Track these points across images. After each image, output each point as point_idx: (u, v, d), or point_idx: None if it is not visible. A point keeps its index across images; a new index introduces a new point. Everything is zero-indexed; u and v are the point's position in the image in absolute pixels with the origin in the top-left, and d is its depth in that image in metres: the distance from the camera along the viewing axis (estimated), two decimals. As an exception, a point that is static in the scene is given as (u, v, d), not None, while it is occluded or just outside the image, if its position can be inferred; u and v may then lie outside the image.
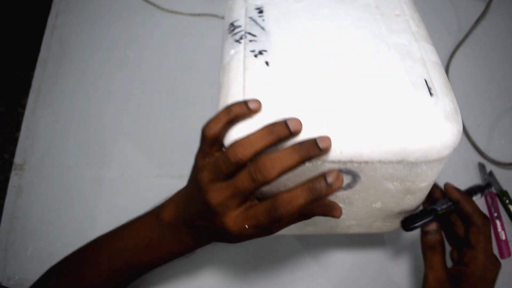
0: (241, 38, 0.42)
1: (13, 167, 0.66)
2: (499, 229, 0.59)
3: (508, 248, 0.58)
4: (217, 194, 0.34)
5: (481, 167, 0.63)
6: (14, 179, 0.65)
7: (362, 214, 0.45)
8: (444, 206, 0.45)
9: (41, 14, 0.79)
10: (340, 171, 0.36)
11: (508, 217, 0.60)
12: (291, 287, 0.57)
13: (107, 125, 0.68)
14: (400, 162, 0.36)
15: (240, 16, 0.44)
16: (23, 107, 0.70)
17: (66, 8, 0.76)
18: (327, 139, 0.32)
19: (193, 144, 0.65)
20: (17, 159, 0.66)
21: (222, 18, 0.72)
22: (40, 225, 0.63)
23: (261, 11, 0.44)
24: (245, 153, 0.32)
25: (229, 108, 0.34)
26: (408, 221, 0.45)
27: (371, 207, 0.43)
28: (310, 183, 0.32)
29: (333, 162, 0.35)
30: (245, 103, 0.34)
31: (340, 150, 0.35)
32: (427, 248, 0.44)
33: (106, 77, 0.71)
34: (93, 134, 0.67)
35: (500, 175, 0.63)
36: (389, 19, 0.43)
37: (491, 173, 0.62)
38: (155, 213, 0.44)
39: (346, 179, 0.38)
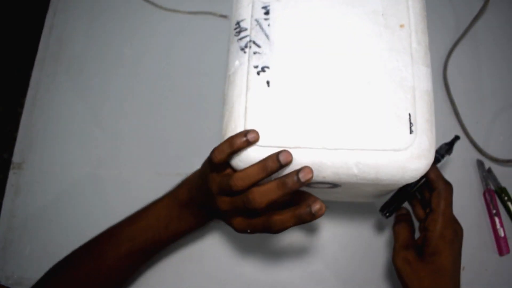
0: (246, 46, 0.43)
1: (11, 166, 0.66)
2: (498, 226, 0.59)
3: (507, 245, 0.58)
4: (223, 205, 0.42)
5: (480, 164, 0.63)
6: (12, 178, 0.65)
7: (344, 196, 0.54)
8: (414, 183, 0.47)
9: (39, 13, 0.79)
10: (322, 182, 0.42)
11: (507, 214, 0.61)
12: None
13: (105, 123, 0.68)
14: (374, 184, 0.41)
15: (246, 15, 0.44)
16: (22, 106, 0.70)
17: (64, 7, 0.75)
18: (308, 172, 0.37)
19: (190, 142, 0.65)
20: (15, 158, 0.66)
21: (220, 16, 0.73)
22: (39, 224, 0.63)
23: (267, 12, 0.44)
24: (243, 184, 0.39)
25: (231, 141, 0.39)
26: (385, 209, 0.50)
27: (351, 193, 0.50)
28: (297, 211, 0.39)
29: (317, 182, 0.42)
30: (245, 135, 0.39)
31: (323, 176, 0.40)
32: (395, 223, 0.49)
33: (104, 76, 0.71)
34: (91, 132, 0.67)
35: (499, 172, 0.63)
36: (391, 33, 0.43)
37: (489, 170, 0.62)
38: (172, 195, 0.50)
39: (329, 185, 0.44)
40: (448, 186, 0.46)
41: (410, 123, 0.39)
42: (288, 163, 0.38)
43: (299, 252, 0.60)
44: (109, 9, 0.75)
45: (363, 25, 0.43)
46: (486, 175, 0.62)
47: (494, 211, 0.60)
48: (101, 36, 0.74)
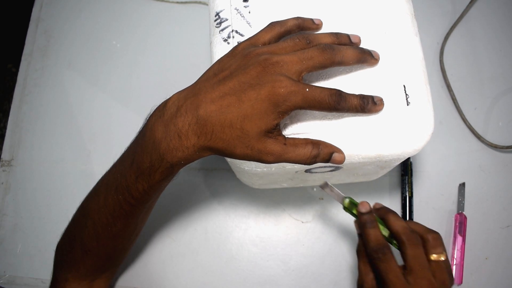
0: (229, 37, 0.42)
1: (1, 163, 0.65)
2: (456, 255, 0.57)
3: (460, 275, 0.56)
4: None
5: (460, 187, 0.60)
6: (1, 176, 0.64)
7: (343, 178, 0.54)
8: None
9: (25, 6, 0.77)
10: (324, 166, 0.42)
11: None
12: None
13: (95, 118, 0.67)
14: (376, 161, 0.41)
15: (225, 5, 0.43)
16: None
17: (51, -1, 0.74)
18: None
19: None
20: (4, 155, 0.65)
21: (208, 4, 0.71)
22: (30, 221, 0.62)
23: None
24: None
25: (300, 18, 0.39)
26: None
27: (350, 173, 0.51)
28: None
29: (319, 167, 0.42)
30: (312, 20, 0.40)
31: None
32: (365, 226, 0.41)
33: (93, 69, 0.69)
34: (81, 127, 0.66)
35: (498, 159, 0.61)
36: (375, 6, 0.42)
37: None
38: (141, 131, 0.41)
39: (330, 168, 0.44)
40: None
41: (406, 94, 0.39)
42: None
43: (294, 246, 0.59)
44: (97, 1, 0.73)
45: (345, 2, 0.42)
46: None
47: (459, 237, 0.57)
48: (89, 29, 0.72)
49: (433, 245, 0.40)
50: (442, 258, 0.40)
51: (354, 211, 0.42)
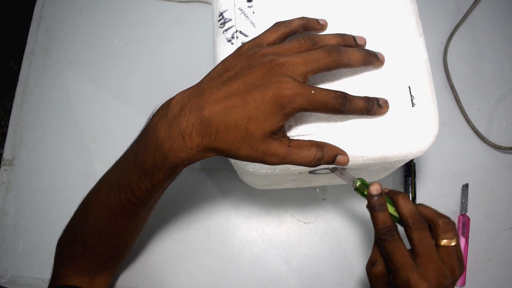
0: (232, 37, 0.42)
1: (2, 162, 0.65)
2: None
3: (463, 277, 0.56)
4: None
5: (464, 188, 0.60)
6: (3, 175, 0.64)
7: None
8: None
9: (27, 5, 0.77)
10: (328, 167, 0.42)
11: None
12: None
13: (97, 117, 0.66)
14: (381, 163, 0.41)
15: (229, 5, 0.43)
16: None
17: (52, -2, 0.74)
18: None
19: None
20: (6, 154, 0.65)
21: (211, 4, 0.70)
22: (31, 221, 0.62)
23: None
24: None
25: (305, 18, 0.39)
26: None
27: (355, 173, 0.47)
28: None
29: (323, 168, 0.42)
30: (317, 20, 0.40)
31: None
32: (373, 209, 0.40)
33: (94, 68, 0.69)
34: (83, 127, 0.66)
35: (501, 159, 0.61)
36: (380, 6, 0.42)
37: None
38: (145, 129, 0.40)
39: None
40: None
41: (411, 95, 0.39)
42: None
43: (296, 246, 0.59)
44: (99, 0, 0.73)
45: (350, 2, 0.42)
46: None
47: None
48: (91, 28, 0.72)
49: (444, 230, 0.39)
50: (453, 244, 0.39)
51: (366, 192, 0.41)
